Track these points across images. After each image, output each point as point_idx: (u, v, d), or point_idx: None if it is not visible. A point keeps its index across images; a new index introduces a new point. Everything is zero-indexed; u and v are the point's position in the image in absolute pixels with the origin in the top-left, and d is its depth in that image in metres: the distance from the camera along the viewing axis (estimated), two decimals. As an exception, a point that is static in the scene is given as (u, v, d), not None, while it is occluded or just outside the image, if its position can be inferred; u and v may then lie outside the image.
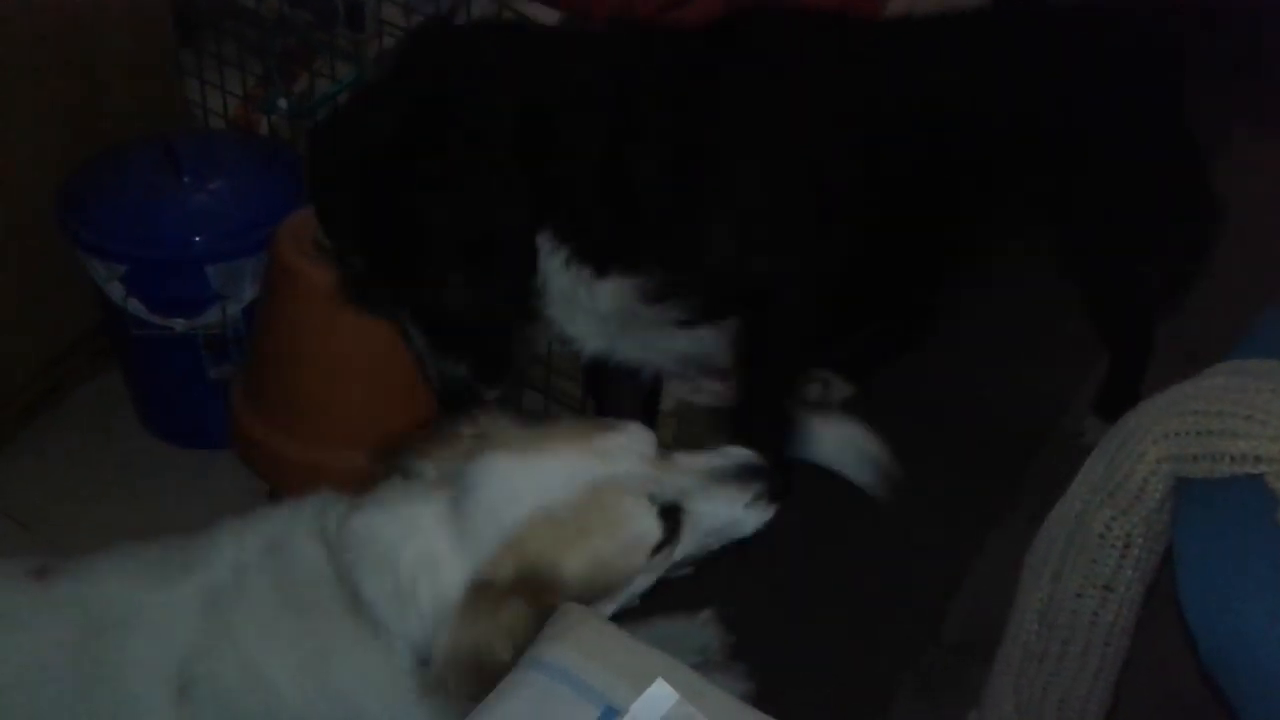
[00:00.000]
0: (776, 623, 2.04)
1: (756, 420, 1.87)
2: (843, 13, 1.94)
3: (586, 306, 1.74)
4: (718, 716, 1.17)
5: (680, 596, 1.91)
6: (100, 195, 2.15)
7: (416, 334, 1.71)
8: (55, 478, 2.30)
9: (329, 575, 1.37)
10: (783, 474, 1.50)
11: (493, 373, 1.72)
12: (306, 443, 1.96)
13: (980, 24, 1.93)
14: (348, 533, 1.36)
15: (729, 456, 1.47)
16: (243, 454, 2.11)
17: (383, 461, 1.44)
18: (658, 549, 1.36)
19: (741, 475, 1.45)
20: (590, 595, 1.33)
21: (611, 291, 1.71)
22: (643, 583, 1.40)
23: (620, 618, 1.36)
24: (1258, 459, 1.21)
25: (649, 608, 1.66)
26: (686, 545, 1.41)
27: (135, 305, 2.14)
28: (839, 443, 1.89)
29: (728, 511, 1.43)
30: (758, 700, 1.22)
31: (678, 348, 1.84)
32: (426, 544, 1.33)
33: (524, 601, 1.28)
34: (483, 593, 1.30)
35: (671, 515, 1.37)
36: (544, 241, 1.67)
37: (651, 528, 1.35)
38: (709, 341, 1.82)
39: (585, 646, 1.22)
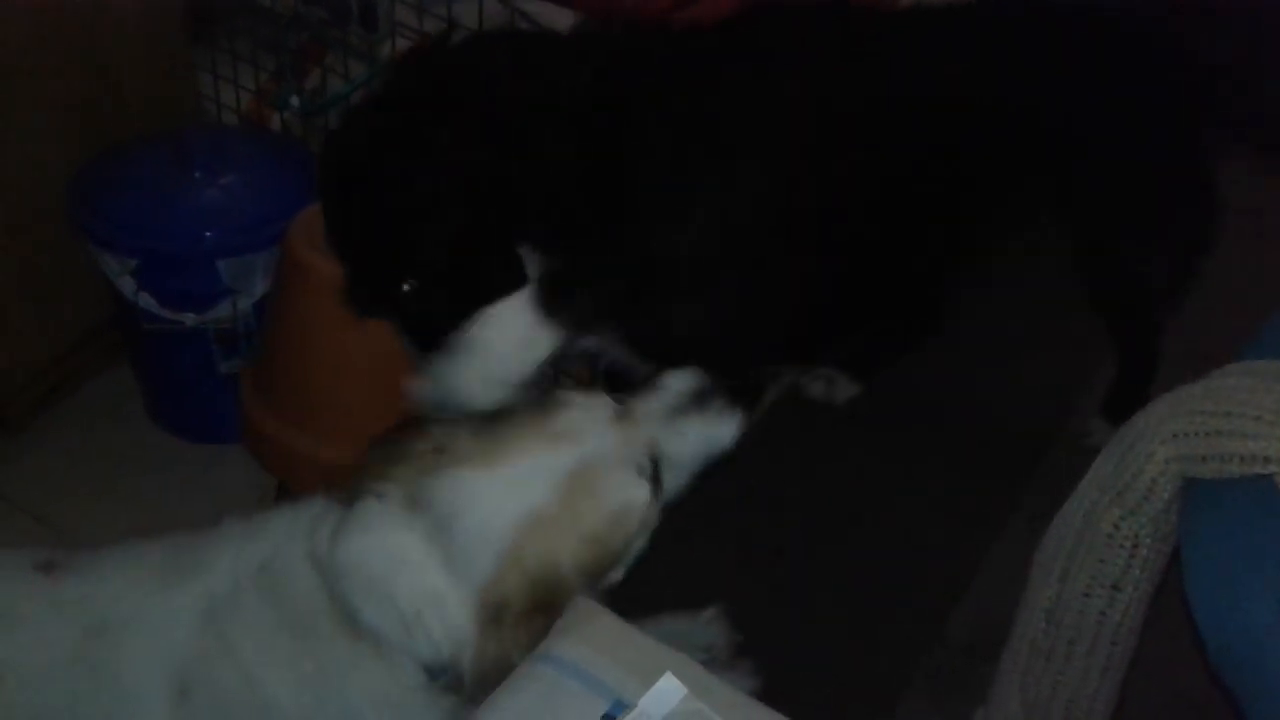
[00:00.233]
0: (782, 622, 2.05)
1: None
2: (853, 6, 1.93)
3: None
4: (725, 711, 1.17)
5: (687, 591, 1.93)
6: (112, 189, 2.16)
7: (403, 336, 1.72)
8: (65, 471, 2.31)
9: (324, 598, 1.35)
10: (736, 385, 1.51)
11: None
12: (317, 437, 1.96)
13: (984, 19, 1.93)
14: (337, 561, 1.34)
15: (677, 383, 1.47)
16: (253, 448, 2.11)
17: (350, 485, 1.41)
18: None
19: (698, 400, 1.45)
20: (594, 579, 1.34)
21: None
22: (638, 546, 1.40)
23: (626, 615, 1.36)
24: (1266, 460, 1.21)
25: (655, 604, 1.67)
26: (670, 486, 1.42)
27: (146, 300, 2.15)
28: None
29: (699, 438, 1.44)
30: (763, 699, 1.23)
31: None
32: (422, 577, 1.31)
33: (539, 613, 1.29)
34: (497, 614, 1.29)
35: (653, 469, 1.38)
36: (524, 249, 1.68)
37: (639, 493, 1.36)
38: None
39: (594, 641, 1.23)
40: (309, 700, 1.35)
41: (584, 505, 1.33)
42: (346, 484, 1.42)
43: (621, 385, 1.60)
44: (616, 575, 1.38)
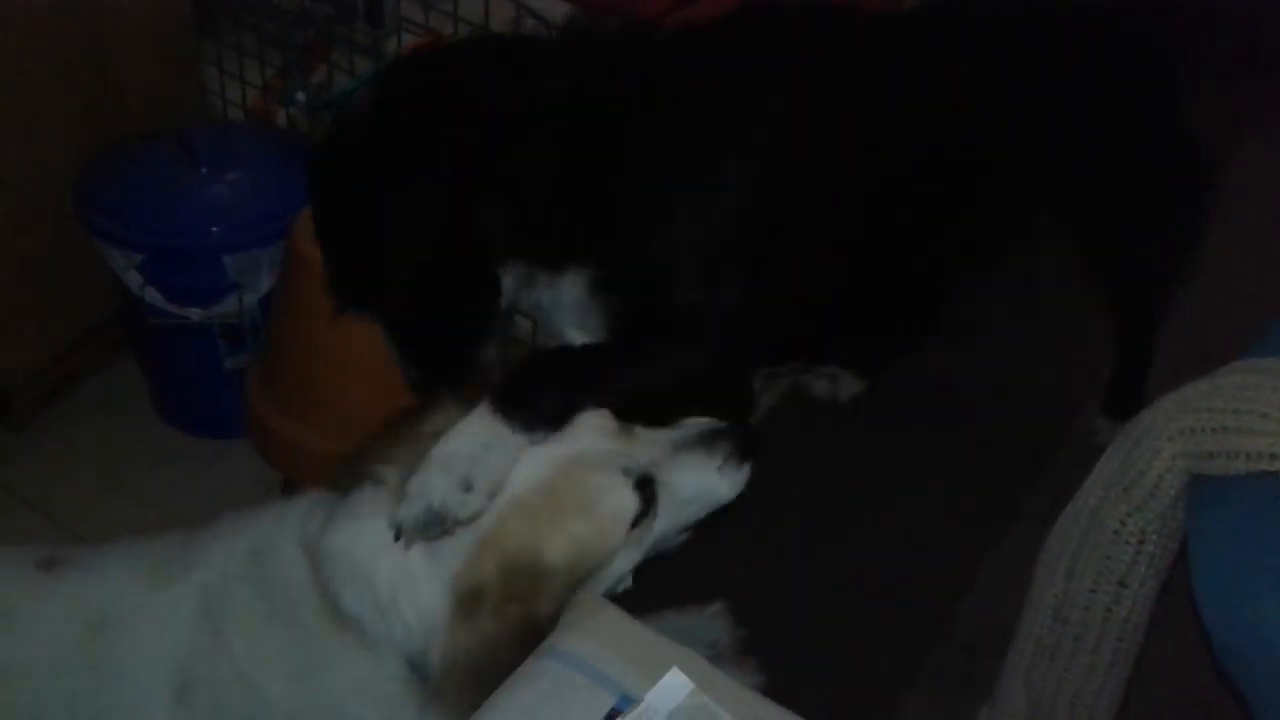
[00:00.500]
0: (788, 620, 2.05)
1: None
2: (849, 6, 1.93)
3: (552, 303, 1.73)
4: (731, 706, 1.18)
5: (690, 590, 1.93)
6: (118, 185, 2.16)
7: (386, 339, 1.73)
8: (70, 466, 2.31)
9: (312, 585, 1.36)
10: (748, 435, 1.49)
11: (442, 380, 1.69)
12: (322, 433, 1.96)
13: (982, 19, 1.93)
14: (324, 547, 1.35)
15: (690, 426, 1.46)
16: (258, 444, 2.11)
17: (349, 470, 1.42)
18: (635, 523, 1.35)
19: (707, 440, 1.44)
20: (575, 580, 1.32)
21: (569, 283, 1.70)
22: (625, 562, 1.39)
23: (631, 610, 1.36)
24: (1273, 457, 1.21)
25: (660, 601, 1.66)
26: (665, 518, 1.40)
27: (152, 294, 2.15)
28: None
29: (700, 477, 1.42)
30: (769, 695, 1.23)
31: None
32: (402, 560, 1.32)
33: (512, 605, 1.28)
34: (469, 600, 1.29)
35: (645, 487, 1.36)
36: (510, 259, 1.67)
37: (627, 500, 1.34)
38: None
39: (600, 636, 1.23)
40: (297, 693, 1.35)
41: (569, 499, 1.33)
42: (347, 468, 1.42)
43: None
44: (595, 591, 1.36)
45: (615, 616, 1.26)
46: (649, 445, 1.42)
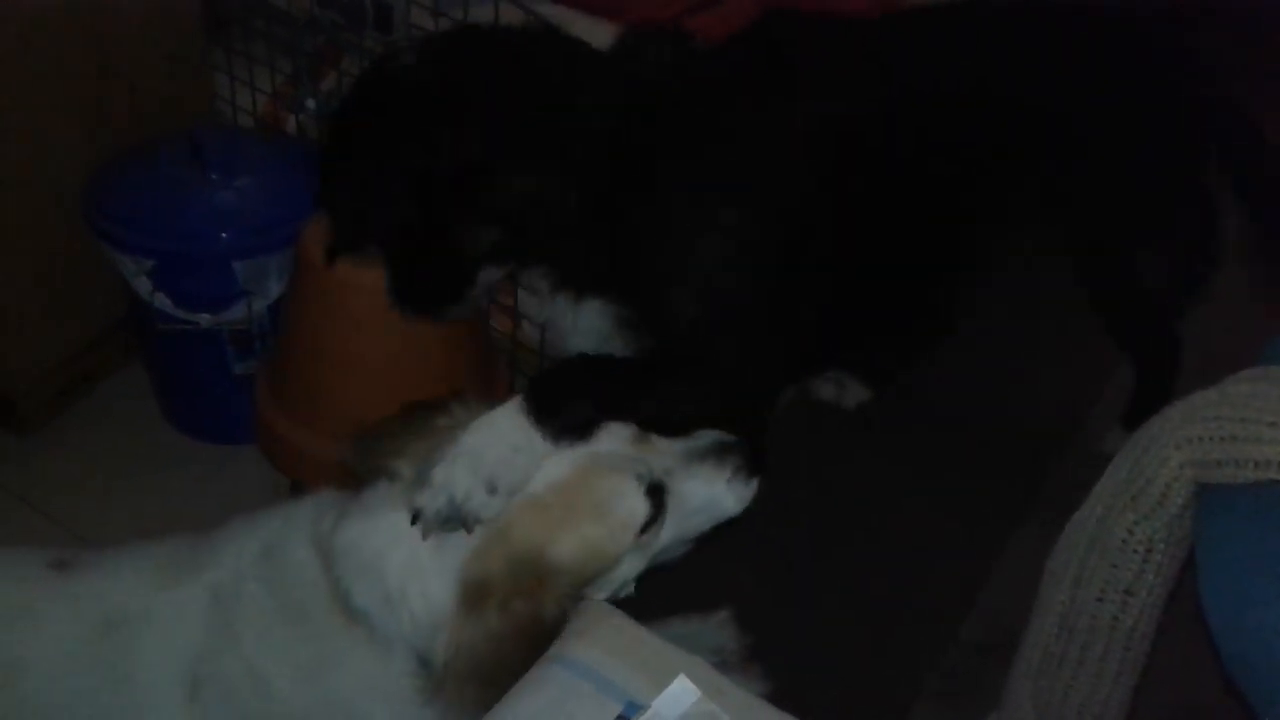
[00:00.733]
0: (796, 624, 2.05)
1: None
2: (858, 13, 1.94)
3: (573, 326, 1.75)
4: (738, 713, 1.18)
5: (696, 597, 1.93)
6: (129, 191, 2.17)
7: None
8: (79, 470, 2.32)
9: (323, 582, 1.36)
10: (757, 452, 1.50)
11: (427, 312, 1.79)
12: (330, 439, 1.97)
13: (983, 20, 1.93)
14: (335, 543, 1.36)
15: (702, 436, 1.47)
16: (266, 449, 2.12)
17: (363, 462, 1.43)
18: (644, 529, 1.36)
19: (718, 452, 1.45)
20: (581, 580, 1.33)
21: (592, 313, 1.72)
22: (630, 567, 1.39)
23: (637, 618, 1.37)
24: (1281, 465, 1.21)
25: (665, 608, 1.66)
26: (671, 526, 1.41)
27: (162, 300, 2.15)
28: None
29: (708, 488, 1.44)
30: (776, 701, 1.23)
31: None
32: (411, 550, 1.33)
33: (518, 601, 1.28)
34: (475, 594, 1.30)
35: (656, 494, 1.37)
36: (535, 268, 1.72)
37: (639, 506, 1.35)
38: None
39: (607, 643, 1.23)
40: (308, 690, 1.36)
41: (581, 500, 1.34)
42: (359, 456, 1.43)
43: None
44: (598, 595, 1.37)
45: (622, 624, 1.26)
46: (663, 453, 1.43)
